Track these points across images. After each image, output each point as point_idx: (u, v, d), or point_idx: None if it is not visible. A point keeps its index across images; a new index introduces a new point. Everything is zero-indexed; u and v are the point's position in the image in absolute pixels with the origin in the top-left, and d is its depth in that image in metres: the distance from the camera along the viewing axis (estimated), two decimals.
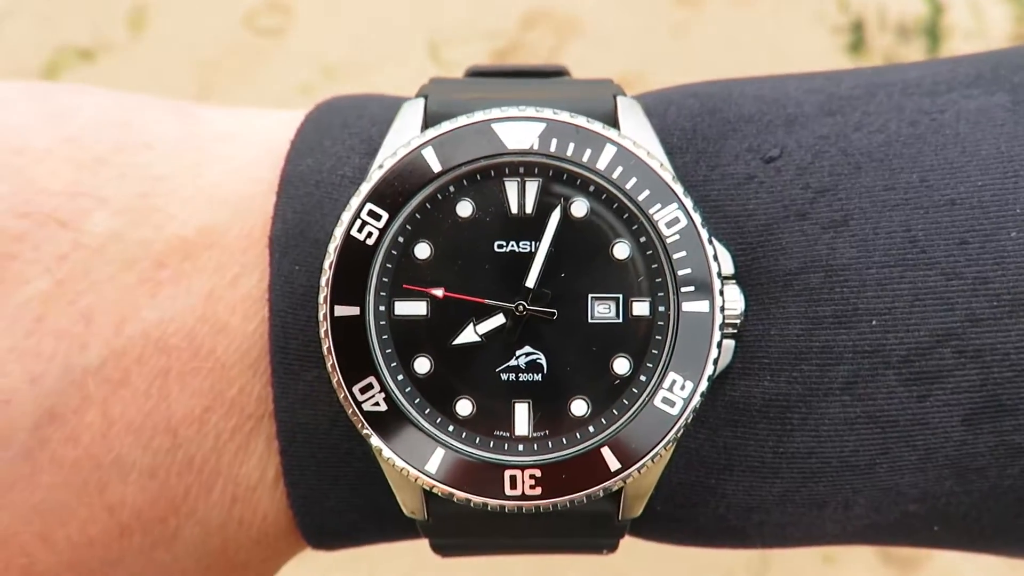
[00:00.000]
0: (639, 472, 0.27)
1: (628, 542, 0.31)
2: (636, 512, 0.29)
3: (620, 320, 0.28)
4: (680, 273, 0.28)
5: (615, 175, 0.28)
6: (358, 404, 0.28)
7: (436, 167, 0.28)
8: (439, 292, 0.28)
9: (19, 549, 0.28)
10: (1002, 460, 0.27)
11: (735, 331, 0.28)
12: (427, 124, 0.29)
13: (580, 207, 0.28)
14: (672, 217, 0.28)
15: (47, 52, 0.79)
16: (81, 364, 0.28)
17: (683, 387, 0.27)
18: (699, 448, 0.29)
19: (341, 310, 0.28)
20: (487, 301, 0.28)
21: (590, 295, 0.28)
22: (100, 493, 0.28)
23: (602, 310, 0.28)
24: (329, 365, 0.28)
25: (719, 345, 0.27)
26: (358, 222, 0.28)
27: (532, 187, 0.28)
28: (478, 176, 0.28)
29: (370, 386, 0.28)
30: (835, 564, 0.72)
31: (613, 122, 0.29)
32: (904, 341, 0.27)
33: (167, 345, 0.28)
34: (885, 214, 0.28)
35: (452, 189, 0.28)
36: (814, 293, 0.27)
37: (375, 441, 0.28)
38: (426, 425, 0.28)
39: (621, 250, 0.28)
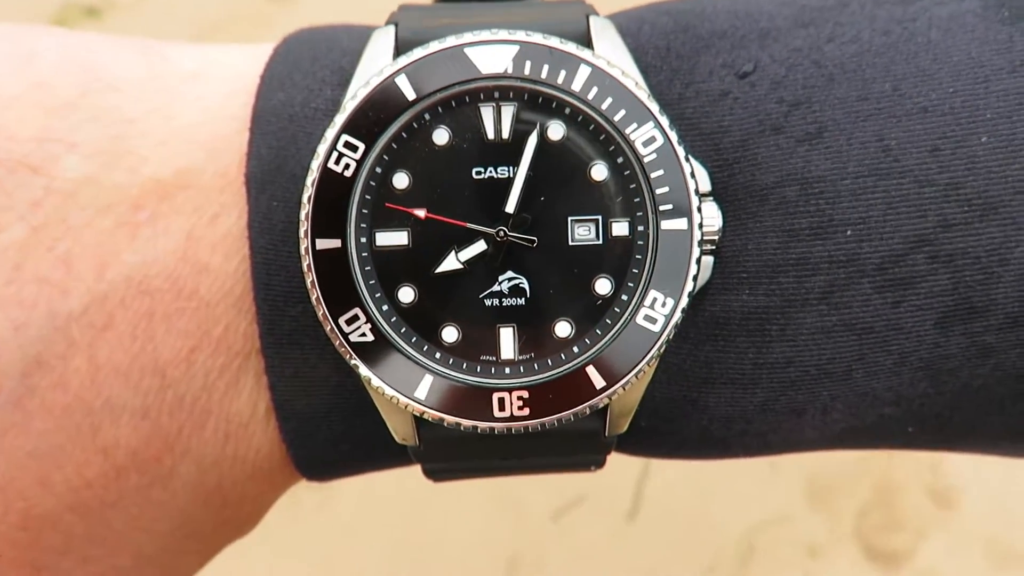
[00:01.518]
0: (624, 389, 0.28)
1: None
2: (622, 428, 0.29)
3: (600, 241, 0.28)
4: (658, 192, 0.28)
5: (590, 96, 0.28)
6: (345, 336, 0.28)
7: (410, 95, 0.28)
8: (421, 213, 0.28)
9: (17, 494, 0.29)
10: (973, 360, 0.28)
11: (713, 247, 0.28)
12: (399, 52, 0.29)
13: (556, 130, 0.28)
14: (648, 136, 0.28)
15: (54, 7, 0.77)
16: (64, 310, 0.28)
17: (664, 304, 0.28)
18: (681, 363, 0.29)
19: (322, 243, 0.28)
20: (468, 225, 0.28)
21: (570, 218, 0.28)
22: (93, 436, 0.29)
23: (582, 232, 0.28)
24: (314, 298, 0.28)
25: (698, 261, 0.28)
26: (335, 154, 0.28)
27: (508, 112, 0.28)
28: (453, 103, 0.28)
29: (356, 317, 0.28)
30: (819, 558, 0.73)
31: (587, 42, 0.29)
32: (878, 249, 0.28)
33: (149, 287, 0.28)
34: (859, 124, 0.28)
35: (428, 117, 0.28)
36: (790, 206, 0.28)
37: (363, 371, 0.28)
38: (413, 353, 0.28)
39: (599, 171, 0.28)
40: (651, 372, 0.28)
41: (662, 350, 0.28)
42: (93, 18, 0.76)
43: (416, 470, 0.32)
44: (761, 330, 0.28)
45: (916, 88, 0.28)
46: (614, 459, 0.32)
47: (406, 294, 0.28)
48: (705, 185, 0.28)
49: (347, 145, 0.28)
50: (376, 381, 0.28)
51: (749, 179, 0.28)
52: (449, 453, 0.30)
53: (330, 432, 0.31)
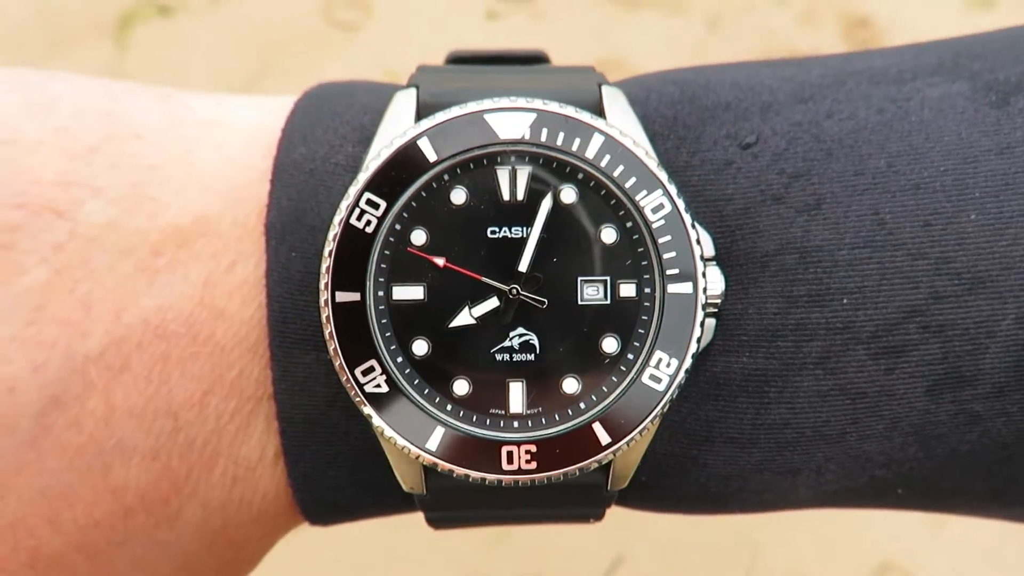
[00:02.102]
0: (628, 445, 0.29)
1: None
2: (624, 483, 0.30)
3: (608, 301, 0.29)
4: (665, 256, 0.29)
5: (603, 163, 0.29)
6: (360, 386, 0.29)
7: (431, 156, 0.29)
8: (440, 261, 0.29)
9: (27, 532, 0.29)
10: (961, 427, 0.29)
11: (716, 310, 0.29)
12: (420, 114, 0.30)
13: (569, 194, 0.30)
14: (657, 203, 0.29)
15: (126, 2, 0.77)
16: (82, 352, 0.28)
17: (668, 364, 0.29)
18: (682, 421, 0.30)
19: (342, 296, 0.29)
20: (483, 279, 0.29)
21: (579, 278, 0.29)
22: (104, 476, 0.29)
23: (591, 292, 0.29)
24: (331, 349, 0.29)
25: (702, 324, 0.29)
26: (357, 210, 0.29)
27: (523, 175, 0.30)
28: (471, 164, 0.30)
29: (372, 368, 0.29)
30: None
31: (599, 110, 0.30)
32: (873, 318, 0.29)
33: (166, 331, 0.29)
34: (855, 198, 0.29)
35: (447, 177, 0.29)
36: (789, 273, 0.29)
37: (377, 421, 0.29)
38: (425, 404, 0.29)
39: (608, 235, 0.30)
40: (654, 429, 0.29)
41: (666, 409, 0.29)
42: (164, 15, 0.77)
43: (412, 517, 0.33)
44: (760, 392, 0.29)
45: (909, 165, 0.29)
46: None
47: (420, 347, 0.29)
48: (709, 250, 0.29)
49: (369, 203, 0.29)
50: (389, 431, 0.29)
51: (751, 246, 0.30)
52: (454, 503, 0.31)
53: (336, 478, 0.31)
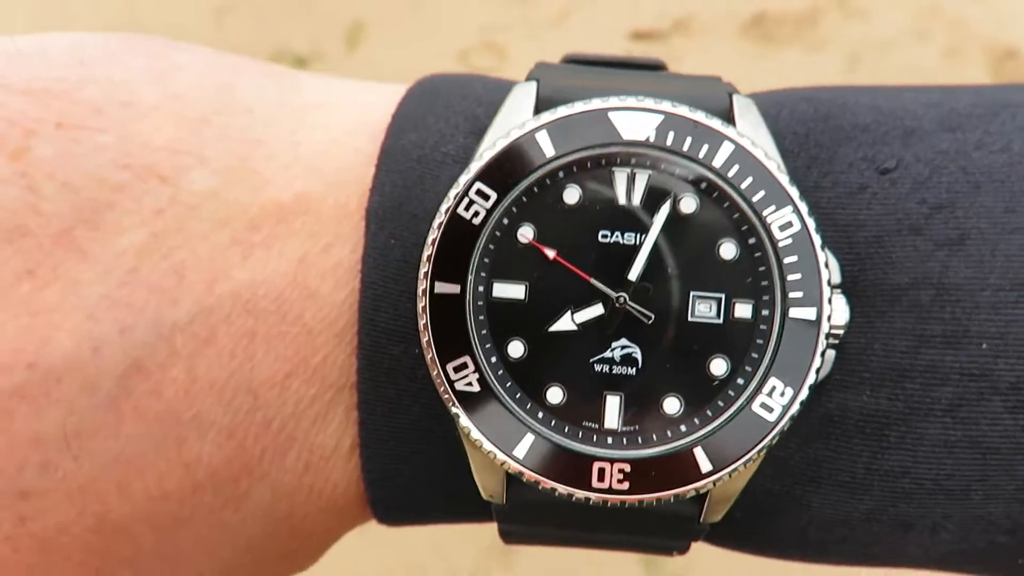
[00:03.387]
0: (730, 476, 0.27)
1: None
2: (718, 516, 0.28)
3: (720, 321, 0.28)
4: (790, 278, 0.27)
5: (730, 174, 0.28)
6: (451, 383, 0.27)
7: (549, 151, 0.28)
8: (551, 253, 0.28)
9: (96, 497, 0.28)
10: None
11: (837, 341, 0.27)
12: (539, 108, 0.29)
13: (689, 203, 0.28)
14: (786, 221, 0.27)
15: (265, 52, 0.80)
16: (171, 319, 0.28)
17: (783, 394, 0.27)
18: (788, 457, 0.28)
19: (441, 287, 0.27)
20: (592, 280, 0.28)
21: (692, 293, 0.28)
22: (178, 448, 0.28)
23: (703, 309, 0.28)
24: (424, 341, 0.27)
25: (823, 354, 0.27)
26: (466, 200, 0.28)
27: (642, 179, 0.28)
28: (588, 163, 0.28)
29: (464, 365, 0.27)
30: None
31: (729, 119, 0.28)
32: (1015, 368, 0.26)
33: (256, 307, 0.28)
34: (1004, 236, 0.27)
35: (562, 175, 0.28)
36: (923, 310, 0.27)
37: (464, 421, 0.27)
38: (516, 409, 0.28)
39: (728, 249, 0.28)
40: (759, 462, 0.27)
41: (774, 441, 0.27)
42: (301, 67, 0.79)
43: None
44: (879, 435, 0.27)
45: None
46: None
47: (516, 348, 0.28)
48: (836, 277, 0.27)
49: (479, 193, 0.28)
50: (476, 433, 0.27)
51: (881, 276, 0.27)
52: (534, 517, 0.29)
53: (412, 477, 0.30)
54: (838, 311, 0.27)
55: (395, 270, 0.29)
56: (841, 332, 0.27)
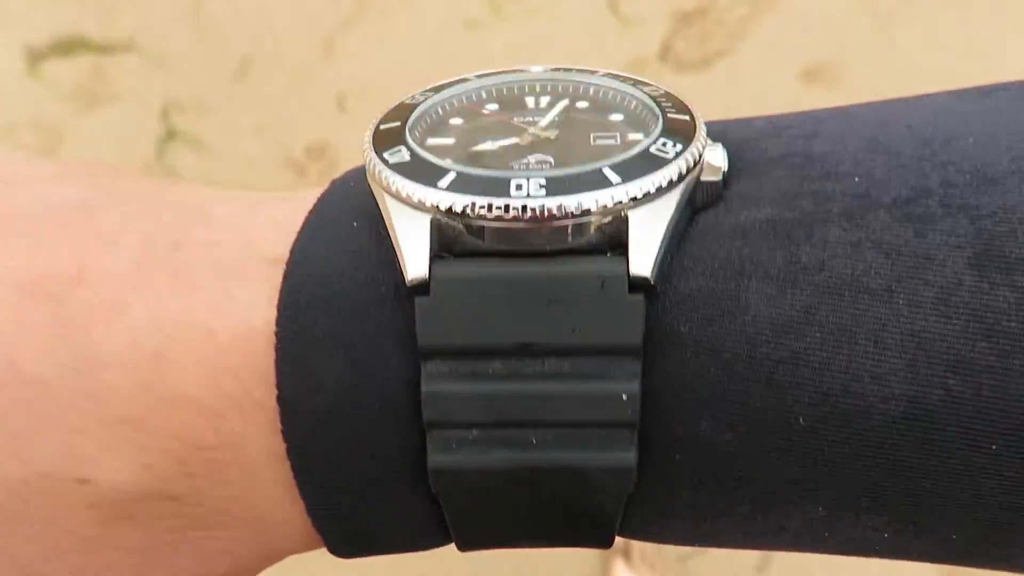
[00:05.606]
0: (641, 192, 0.28)
1: None
2: (646, 269, 0.27)
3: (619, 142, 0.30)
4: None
5: None
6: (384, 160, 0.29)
7: None
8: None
9: None
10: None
11: (722, 180, 0.29)
12: None
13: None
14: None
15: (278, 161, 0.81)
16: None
17: (675, 144, 0.29)
18: (713, 255, 0.28)
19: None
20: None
21: (592, 133, 0.31)
22: None
23: (604, 141, 0.31)
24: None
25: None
26: None
27: None
28: None
29: (399, 151, 0.30)
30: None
31: None
32: (888, 192, 0.28)
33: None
34: (851, 132, 0.31)
35: None
36: (798, 168, 0.30)
37: (386, 174, 0.29)
38: (436, 160, 0.29)
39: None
40: (672, 205, 0.28)
41: (678, 180, 0.28)
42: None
43: None
44: (787, 234, 0.28)
45: (900, 114, 0.31)
46: None
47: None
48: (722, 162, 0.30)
49: None
50: (400, 182, 0.28)
51: (758, 156, 0.31)
52: (462, 299, 0.27)
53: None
54: (714, 153, 0.29)
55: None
56: (724, 171, 0.29)
